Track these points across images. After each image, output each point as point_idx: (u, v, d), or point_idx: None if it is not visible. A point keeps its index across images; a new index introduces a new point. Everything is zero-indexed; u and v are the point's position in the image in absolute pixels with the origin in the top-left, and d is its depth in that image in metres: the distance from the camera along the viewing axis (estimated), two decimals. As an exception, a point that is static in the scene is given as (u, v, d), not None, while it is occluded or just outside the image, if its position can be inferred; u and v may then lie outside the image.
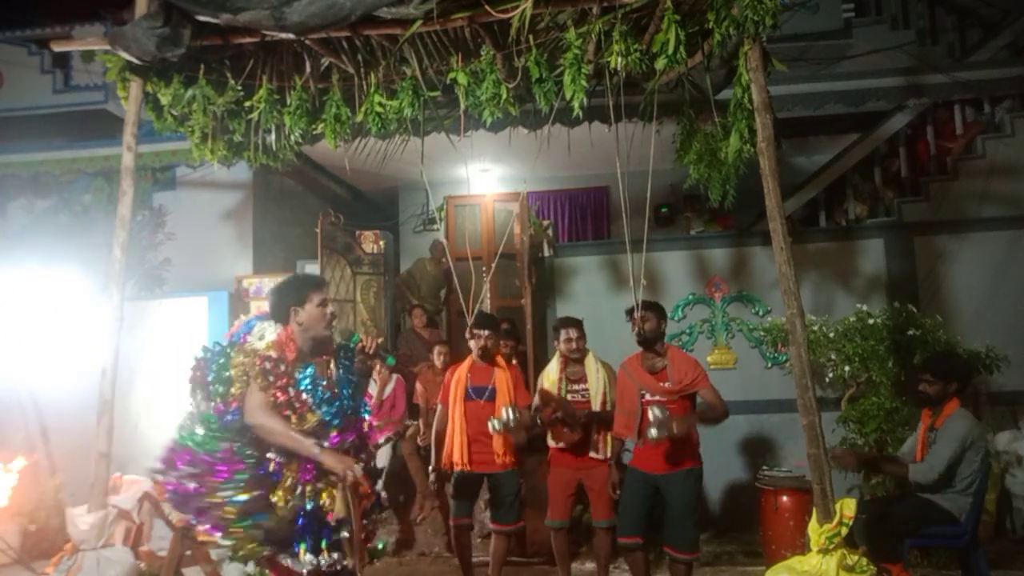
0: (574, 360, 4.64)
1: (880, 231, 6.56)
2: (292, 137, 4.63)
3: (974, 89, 6.54)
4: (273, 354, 2.91)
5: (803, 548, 4.03)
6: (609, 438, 4.45)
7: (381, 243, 7.43)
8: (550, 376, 4.69)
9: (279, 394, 2.90)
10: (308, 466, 2.89)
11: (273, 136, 4.74)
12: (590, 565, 5.14)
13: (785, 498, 5.12)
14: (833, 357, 5.61)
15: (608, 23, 3.85)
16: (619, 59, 3.79)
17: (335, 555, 2.90)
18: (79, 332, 6.27)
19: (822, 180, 7.28)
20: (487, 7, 3.76)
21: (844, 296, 6.34)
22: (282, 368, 2.91)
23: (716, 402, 4.10)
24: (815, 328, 5.59)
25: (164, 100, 4.37)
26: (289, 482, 2.90)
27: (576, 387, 4.59)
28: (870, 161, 7.22)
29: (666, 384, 4.15)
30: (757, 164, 3.77)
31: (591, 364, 4.63)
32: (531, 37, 3.98)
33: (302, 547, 2.86)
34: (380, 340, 3.17)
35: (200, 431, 2.96)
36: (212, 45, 4.22)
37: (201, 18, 3.94)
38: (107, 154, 7.43)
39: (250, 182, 7.93)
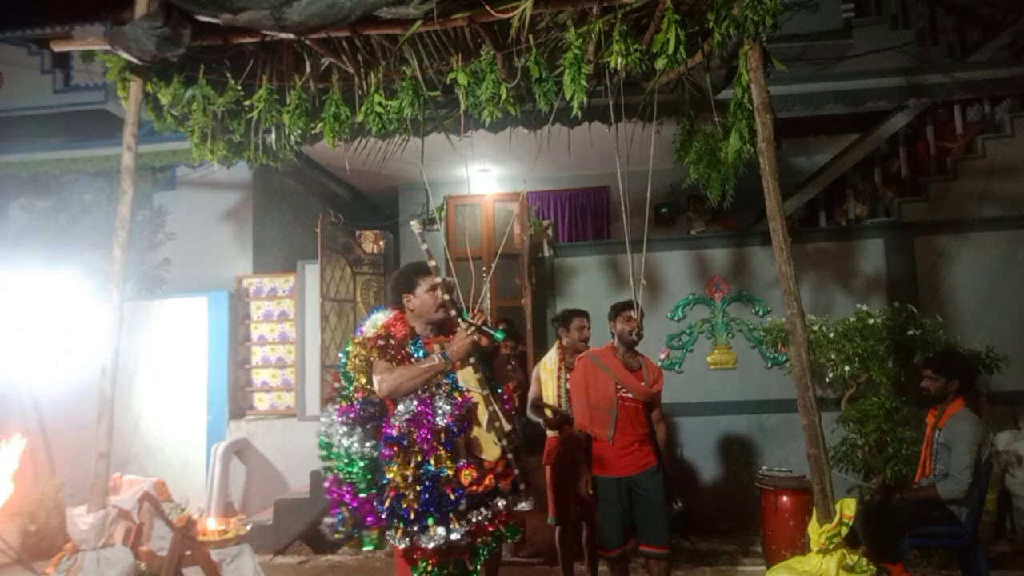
0: (574, 352, 4.71)
1: (880, 231, 6.56)
2: (292, 137, 4.62)
3: (974, 89, 6.54)
4: (383, 333, 3.02)
5: (803, 548, 4.03)
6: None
7: (381, 243, 7.44)
8: (547, 366, 4.79)
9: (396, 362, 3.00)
10: (425, 433, 2.90)
11: (273, 136, 4.74)
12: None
13: (785, 498, 5.12)
14: (833, 357, 5.61)
15: (608, 23, 3.84)
16: (619, 59, 3.78)
17: (465, 522, 2.91)
18: (79, 332, 6.28)
19: (822, 180, 7.28)
20: (487, 7, 3.75)
21: (844, 296, 6.34)
22: (393, 343, 3.01)
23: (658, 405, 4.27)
24: (815, 328, 5.60)
25: (164, 100, 4.36)
26: (402, 458, 2.91)
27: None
28: (870, 161, 7.22)
29: (644, 383, 4.17)
30: (757, 164, 3.76)
31: None
32: (531, 37, 3.97)
33: (430, 521, 2.86)
34: (483, 315, 3.16)
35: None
36: (212, 45, 4.20)
37: (201, 18, 3.93)
38: (107, 154, 7.45)
39: (250, 182, 7.94)
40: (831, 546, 3.37)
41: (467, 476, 2.94)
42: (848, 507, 3.42)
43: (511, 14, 3.73)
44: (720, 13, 3.66)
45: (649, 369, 4.26)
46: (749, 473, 6.09)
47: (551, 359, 4.81)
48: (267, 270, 7.80)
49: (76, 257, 7.01)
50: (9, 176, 7.86)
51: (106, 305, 4.11)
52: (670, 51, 3.71)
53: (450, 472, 2.88)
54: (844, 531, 3.39)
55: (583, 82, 3.89)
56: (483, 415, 3.05)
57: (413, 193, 8.70)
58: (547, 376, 4.76)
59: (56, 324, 6.41)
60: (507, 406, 3.23)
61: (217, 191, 7.97)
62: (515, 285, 6.95)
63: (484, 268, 6.86)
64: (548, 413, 4.66)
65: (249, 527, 4.67)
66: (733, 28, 3.65)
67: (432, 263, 3.10)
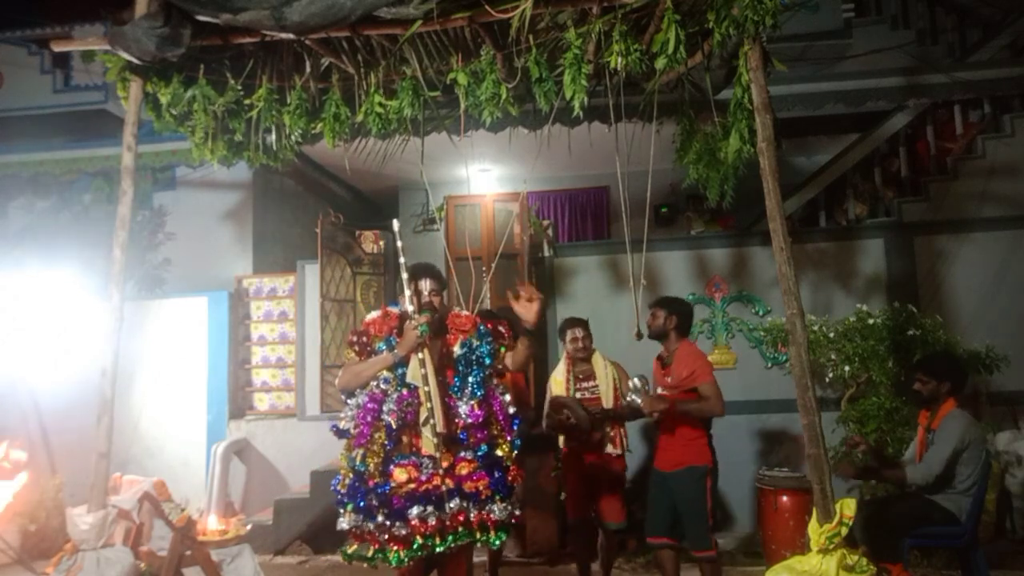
0: (581, 359, 4.67)
1: (880, 231, 6.56)
2: (292, 137, 4.63)
3: (974, 89, 6.54)
4: (360, 330, 3.32)
5: (803, 548, 4.03)
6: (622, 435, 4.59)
7: (381, 243, 7.44)
8: (557, 379, 4.73)
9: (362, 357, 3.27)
10: (363, 428, 3.09)
11: (273, 136, 4.74)
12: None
13: (785, 498, 5.12)
14: (833, 357, 5.62)
15: (608, 23, 3.84)
16: (619, 59, 3.78)
17: (396, 516, 3.03)
18: (79, 332, 6.28)
19: (822, 180, 7.28)
20: (487, 7, 3.75)
21: (844, 296, 6.34)
22: (364, 339, 3.27)
23: (708, 396, 4.01)
24: (815, 328, 5.60)
25: (164, 100, 4.36)
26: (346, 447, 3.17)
27: (585, 385, 4.64)
28: (870, 161, 7.22)
29: (668, 379, 4.18)
30: (757, 164, 3.76)
31: (599, 361, 4.68)
32: (531, 37, 3.97)
33: (349, 507, 3.07)
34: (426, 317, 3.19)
35: None
36: (212, 45, 4.20)
37: (201, 18, 3.93)
38: (107, 154, 7.45)
39: (250, 182, 7.94)
40: (831, 546, 3.37)
41: (401, 473, 3.06)
42: (848, 507, 3.42)
43: (511, 14, 3.73)
44: (720, 13, 3.66)
45: (677, 363, 4.17)
46: (749, 473, 6.09)
47: (560, 371, 4.75)
48: (267, 270, 7.80)
49: (76, 257, 7.01)
50: (9, 176, 7.86)
51: (106, 305, 4.11)
52: (670, 51, 3.71)
53: (371, 468, 3.05)
54: (844, 531, 3.39)
55: (583, 82, 3.89)
56: (423, 412, 3.11)
57: (413, 193, 8.70)
58: (557, 388, 4.70)
59: (56, 324, 6.41)
60: (501, 416, 3.24)
61: (217, 191, 7.97)
62: (515, 285, 6.94)
63: (484, 268, 6.87)
64: (565, 415, 4.49)
65: (249, 527, 4.67)
66: (733, 28, 3.65)
67: (401, 260, 3.21)
